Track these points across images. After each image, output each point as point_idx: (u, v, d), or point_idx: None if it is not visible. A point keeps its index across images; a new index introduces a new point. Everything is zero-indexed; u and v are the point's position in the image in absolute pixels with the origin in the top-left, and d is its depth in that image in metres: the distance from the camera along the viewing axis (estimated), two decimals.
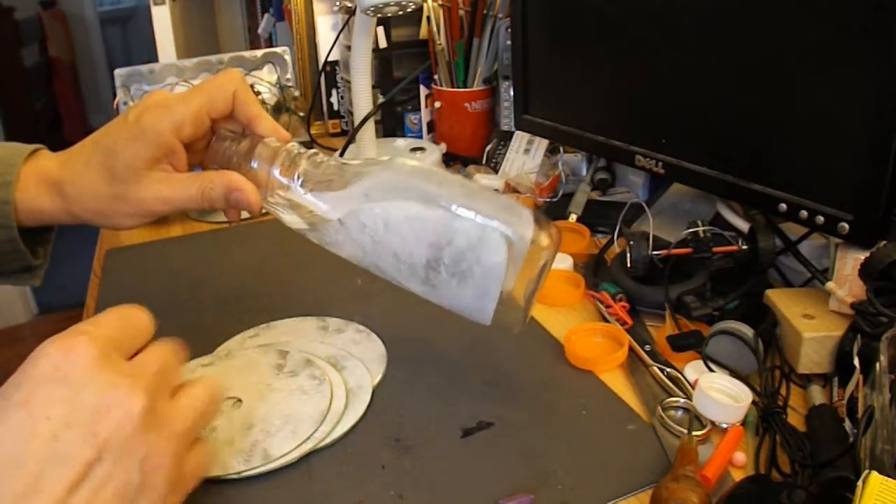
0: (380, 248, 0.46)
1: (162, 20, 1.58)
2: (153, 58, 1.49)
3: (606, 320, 0.62)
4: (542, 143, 0.93)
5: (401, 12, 0.86)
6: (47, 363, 0.35)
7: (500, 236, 0.43)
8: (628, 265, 0.63)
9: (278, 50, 1.21)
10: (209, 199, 0.50)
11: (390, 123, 1.16)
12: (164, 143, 0.49)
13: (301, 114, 1.16)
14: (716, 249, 0.61)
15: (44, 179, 0.53)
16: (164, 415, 0.36)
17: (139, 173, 0.50)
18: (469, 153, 1.04)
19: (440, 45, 1.01)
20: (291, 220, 0.50)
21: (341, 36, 1.15)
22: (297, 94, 1.19)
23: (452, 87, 1.03)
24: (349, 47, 1.01)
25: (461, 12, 1.00)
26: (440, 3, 1.00)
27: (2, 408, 0.33)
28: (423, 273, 0.46)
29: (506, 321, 0.46)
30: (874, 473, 0.35)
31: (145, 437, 0.34)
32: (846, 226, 0.52)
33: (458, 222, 0.44)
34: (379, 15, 0.85)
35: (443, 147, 1.06)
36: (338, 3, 1.11)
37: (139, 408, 0.34)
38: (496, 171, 0.97)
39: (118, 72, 1.13)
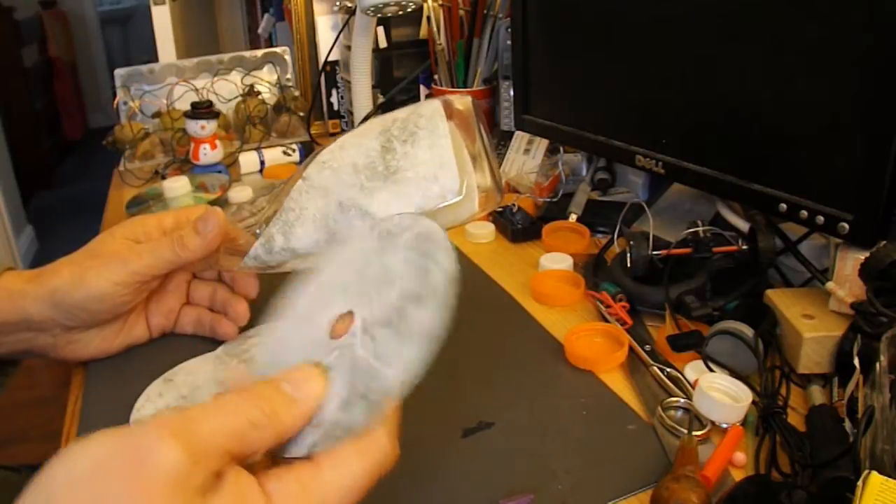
0: (339, 174, 0.48)
1: (162, 20, 1.58)
2: (153, 58, 1.49)
3: (606, 320, 0.62)
4: (542, 143, 0.93)
5: (401, 12, 0.86)
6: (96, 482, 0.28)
7: (427, 100, 0.49)
8: (628, 265, 0.63)
9: (278, 50, 1.21)
10: (180, 242, 0.51)
11: None
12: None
13: (301, 114, 1.16)
14: (716, 249, 0.61)
15: (22, 279, 0.52)
16: None
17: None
18: None
19: (440, 45, 1.01)
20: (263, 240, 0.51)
21: (341, 36, 1.15)
22: (297, 94, 1.20)
23: (452, 87, 1.03)
24: (349, 47, 1.01)
25: (461, 12, 1.00)
26: (440, 2, 1.00)
27: None
28: (382, 164, 0.47)
29: (472, 182, 0.48)
30: (874, 473, 0.35)
31: None
32: (846, 226, 0.52)
33: (395, 113, 0.49)
34: (379, 15, 0.85)
35: None
36: (338, 3, 1.11)
37: None
38: None
39: (118, 72, 1.13)
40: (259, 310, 0.64)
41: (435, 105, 0.49)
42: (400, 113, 0.49)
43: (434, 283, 0.38)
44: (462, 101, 0.50)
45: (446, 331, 0.37)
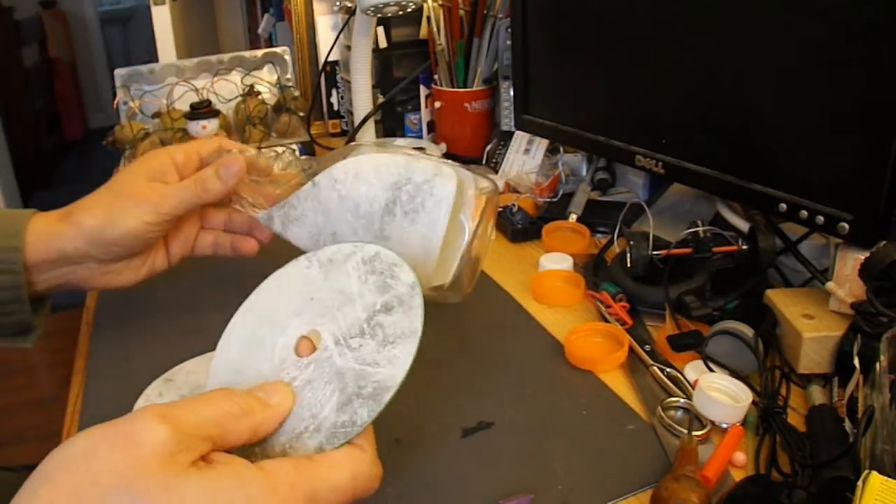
0: (343, 205, 0.50)
1: (162, 20, 1.58)
2: (153, 58, 1.49)
3: (606, 320, 0.62)
4: (542, 143, 0.93)
5: (401, 12, 0.86)
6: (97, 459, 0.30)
7: (450, 171, 0.50)
8: (628, 265, 0.63)
9: (278, 50, 1.21)
10: (202, 185, 0.55)
11: (390, 123, 1.16)
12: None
13: (301, 114, 1.16)
14: (716, 249, 0.61)
15: (52, 219, 0.56)
16: None
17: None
18: (469, 153, 1.04)
19: (440, 45, 1.01)
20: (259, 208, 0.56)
21: (341, 36, 1.15)
22: (297, 94, 1.19)
23: (452, 87, 1.03)
24: (349, 47, 1.01)
25: (461, 12, 1.00)
26: (440, 3, 1.00)
27: None
28: (379, 223, 0.50)
29: (449, 268, 0.50)
30: (874, 473, 0.35)
31: None
32: (846, 226, 0.52)
33: (417, 163, 0.50)
34: (379, 15, 0.85)
35: (443, 147, 1.06)
36: (338, 3, 1.11)
37: None
38: (496, 171, 0.97)
39: (118, 72, 1.13)
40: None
41: (449, 189, 0.49)
42: (417, 173, 0.50)
43: (398, 293, 0.41)
44: (484, 193, 0.51)
45: (427, 326, 0.39)
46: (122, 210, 0.55)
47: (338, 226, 0.51)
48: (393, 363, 0.39)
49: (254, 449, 0.37)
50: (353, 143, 0.53)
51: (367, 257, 0.43)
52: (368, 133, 0.98)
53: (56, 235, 0.54)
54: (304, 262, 0.45)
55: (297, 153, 1.06)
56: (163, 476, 0.30)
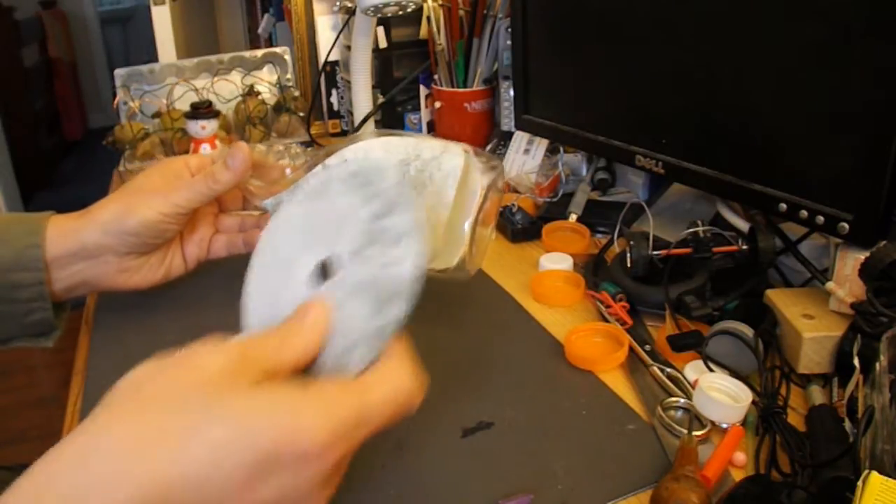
0: None
1: (162, 20, 1.58)
2: (153, 58, 1.49)
3: (606, 320, 0.62)
4: (542, 143, 0.93)
5: (401, 12, 0.86)
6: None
7: (458, 148, 0.51)
8: (628, 265, 0.63)
9: (278, 50, 1.21)
10: (212, 176, 0.58)
11: (390, 123, 1.15)
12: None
13: (301, 114, 1.16)
14: (716, 249, 0.61)
15: (71, 217, 0.58)
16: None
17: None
18: None
19: (440, 45, 1.01)
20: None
21: (341, 36, 1.15)
22: (297, 94, 1.19)
23: (452, 87, 1.03)
24: (349, 47, 1.01)
25: (461, 12, 1.00)
26: (440, 3, 1.00)
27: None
28: None
29: (457, 244, 0.51)
30: (874, 473, 0.35)
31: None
32: (846, 226, 0.52)
33: (426, 142, 0.51)
34: (379, 15, 0.85)
35: None
36: (338, 3, 1.11)
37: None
38: None
39: (118, 72, 1.13)
40: None
41: (456, 163, 0.50)
42: (426, 150, 0.51)
43: (387, 197, 0.42)
44: (487, 162, 0.52)
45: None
46: (139, 202, 0.57)
47: None
48: (407, 257, 0.41)
49: (303, 376, 0.38)
50: (360, 133, 0.54)
51: (346, 175, 0.44)
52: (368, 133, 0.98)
53: (76, 230, 0.57)
54: (288, 204, 0.47)
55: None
56: (224, 392, 0.32)
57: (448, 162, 0.50)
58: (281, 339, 0.37)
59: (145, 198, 0.58)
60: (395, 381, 0.38)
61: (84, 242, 0.57)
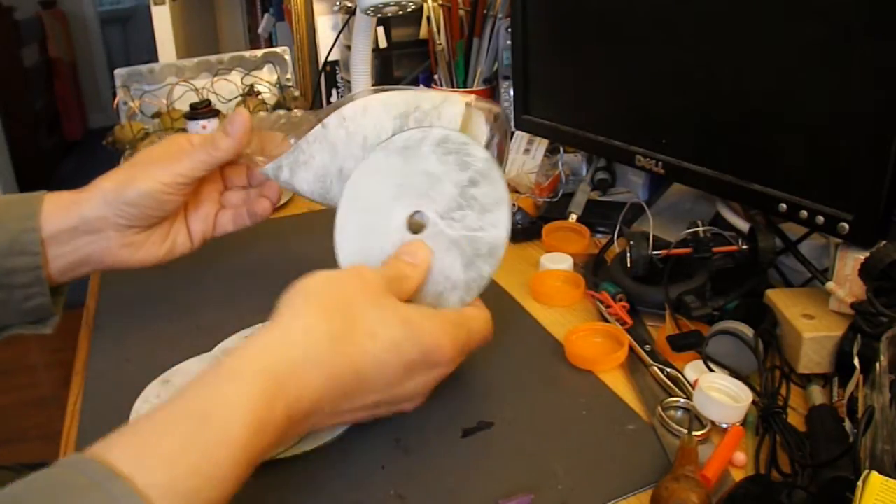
0: (351, 141, 0.53)
1: (162, 20, 1.58)
2: (153, 58, 1.49)
3: (606, 320, 0.62)
4: (542, 143, 0.93)
5: (401, 12, 0.86)
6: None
7: (458, 97, 0.52)
8: (628, 265, 0.63)
9: (278, 50, 1.21)
10: (212, 143, 0.56)
11: None
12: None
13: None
14: (716, 249, 0.61)
15: (72, 192, 0.57)
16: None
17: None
18: None
19: (440, 44, 1.01)
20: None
21: (341, 36, 1.15)
22: (297, 94, 1.19)
23: (452, 86, 1.03)
24: (349, 47, 1.01)
25: (461, 12, 1.00)
26: (440, 2, 1.00)
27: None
28: None
29: None
30: (874, 473, 0.35)
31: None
32: (846, 226, 0.52)
33: (426, 94, 0.53)
34: (379, 15, 0.85)
35: None
36: (338, 3, 1.11)
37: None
38: None
39: (118, 72, 1.13)
40: (251, 297, 0.64)
41: (457, 110, 0.51)
42: (425, 101, 0.52)
43: (478, 168, 0.49)
44: (490, 111, 0.53)
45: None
46: (139, 172, 0.56)
47: (345, 161, 0.53)
48: (496, 225, 0.49)
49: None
50: (354, 94, 0.55)
51: (437, 140, 0.49)
52: None
53: (76, 202, 0.56)
54: (380, 154, 0.50)
55: None
56: (389, 301, 0.44)
57: (448, 110, 0.51)
58: (402, 272, 0.47)
59: (146, 168, 0.56)
60: (485, 318, 0.50)
61: (84, 215, 0.55)
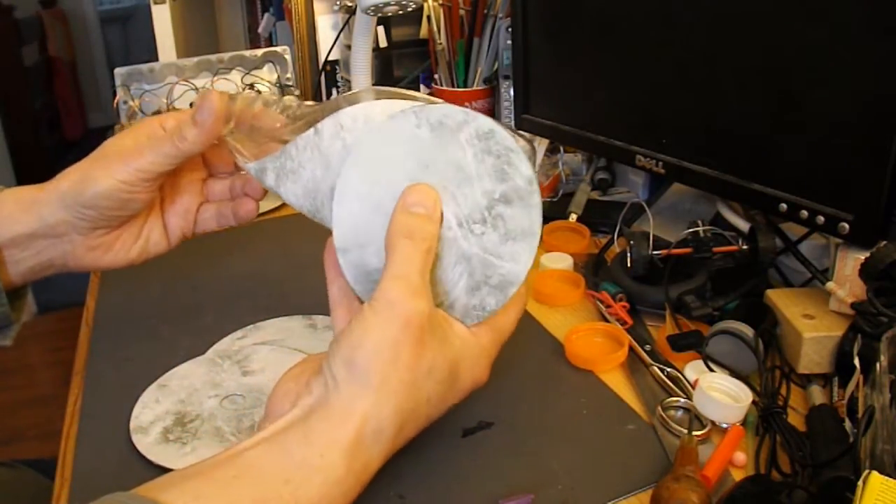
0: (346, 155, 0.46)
1: (162, 19, 1.58)
2: (153, 57, 1.49)
3: (606, 320, 0.62)
4: (542, 143, 0.93)
5: (401, 12, 0.86)
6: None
7: (461, 110, 0.46)
8: (628, 265, 0.63)
9: (278, 49, 1.21)
10: (180, 137, 0.49)
11: None
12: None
13: None
14: (716, 249, 0.61)
15: (31, 189, 0.52)
16: None
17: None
18: None
19: (440, 44, 1.01)
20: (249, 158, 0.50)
21: (341, 35, 1.15)
22: (297, 93, 1.19)
23: (453, 86, 1.03)
24: (349, 47, 1.01)
25: (461, 12, 1.00)
26: (440, 2, 1.00)
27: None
28: None
29: None
30: (874, 473, 0.35)
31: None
32: (846, 226, 0.52)
33: (436, 106, 0.46)
34: (379, 14, 0.85)
35: None
36: (338, 3, 1.11)
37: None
38: None
39: (118, 71, 1.13)
40: (250, 297, 0.64)
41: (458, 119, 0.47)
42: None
43: (516, 185, 0.42)
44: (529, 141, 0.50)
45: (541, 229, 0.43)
46: (97, 169, 0.50)
47: (339, 179, 0.46)
48: (515, 260, 0.42)
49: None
50: (355, 91, 0.48)
51: (481, 132, 0.42)
52: None
53: (35, 201, 0.50)
54: (412, 119, 0.42)
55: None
56: (430, 347, 0.41)
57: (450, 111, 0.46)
58: (425, 244, 0.41)
59: (105, 164, 0.50)
60: (516, 316, 0.47)
61: (44, 218, 0.50)
